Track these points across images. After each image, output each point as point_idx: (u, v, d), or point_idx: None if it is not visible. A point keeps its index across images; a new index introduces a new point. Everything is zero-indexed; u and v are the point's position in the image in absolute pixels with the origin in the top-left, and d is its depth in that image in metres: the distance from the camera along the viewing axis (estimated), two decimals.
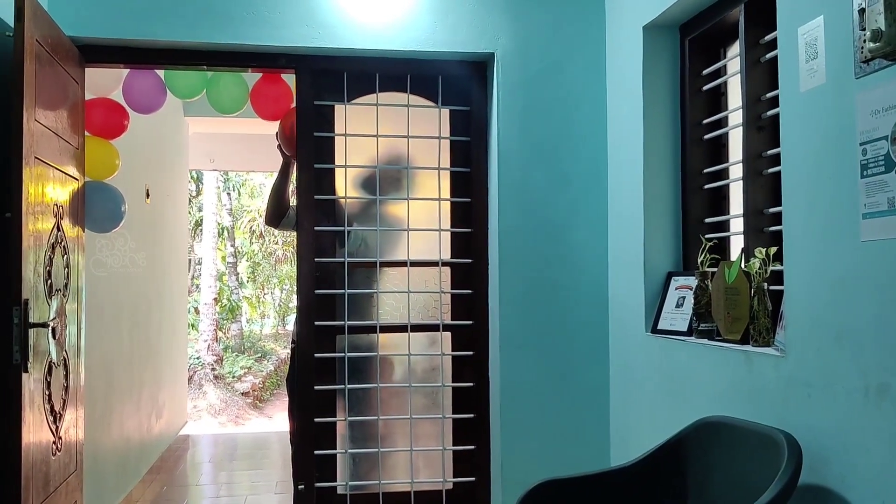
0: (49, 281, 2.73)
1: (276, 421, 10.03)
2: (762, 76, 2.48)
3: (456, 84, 3.46)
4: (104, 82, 3.46)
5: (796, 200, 2.08)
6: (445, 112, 3.48)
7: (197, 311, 13.77)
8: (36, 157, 2.58)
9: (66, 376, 2.94)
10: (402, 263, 3.45)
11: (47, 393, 2.70)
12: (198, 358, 12.50)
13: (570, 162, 3.31)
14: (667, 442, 2.26)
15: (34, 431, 2.54)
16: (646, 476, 2.23)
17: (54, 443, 2.77)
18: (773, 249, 2.27)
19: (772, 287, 2.31)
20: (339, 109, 3.42)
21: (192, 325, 13.22)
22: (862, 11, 1.76)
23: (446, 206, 3.49)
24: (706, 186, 2.89)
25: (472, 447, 3.43)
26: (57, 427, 2.80)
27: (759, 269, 2.31)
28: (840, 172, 1.88)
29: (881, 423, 1.75)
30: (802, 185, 2.05)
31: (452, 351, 3.47)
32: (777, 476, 1.75)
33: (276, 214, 3.68)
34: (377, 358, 3.43)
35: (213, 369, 12.47)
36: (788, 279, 2.10)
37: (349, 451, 3.42)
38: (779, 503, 1.71)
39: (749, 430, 2.06)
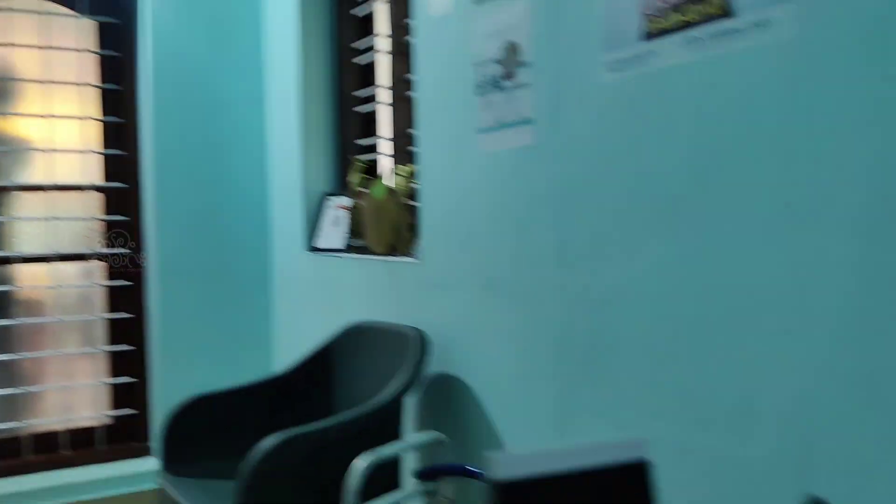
0: None
1: None
2: (403, 2, 2.61)
3: None
4: None
5: (427, 119, 2.25)
6: (92, 24, 3.21)
7: None
8: None
9: None
10: (41, 188, 3.16)
11: None
12: None
13: (227, 84, 3.23)
14: (316, 349, 2.38)
15: None
16: (298, 383, 2.34)
17: None
18: (416, 167, 2.45)
19: (417, 203, 2.50)
20: None
21: None
22: None
23: (95, 126, 3.24)
24: (356, 109, 3.01)
25: (134, 380, 3.30)
26: None
27: (403, 186, 2.48)
28: (461, 92, 2.07)
29: (490, 314, 2.00)
30: (431, 104, 2.22)
31: (109, 281, 3.29)
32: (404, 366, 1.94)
33: None
34: (17, 292, 3.14)
35: None
36: (422, 193, 2.29)
37: None
38: (406, 388, 1.90)
39: (388, 331, 2.24)
